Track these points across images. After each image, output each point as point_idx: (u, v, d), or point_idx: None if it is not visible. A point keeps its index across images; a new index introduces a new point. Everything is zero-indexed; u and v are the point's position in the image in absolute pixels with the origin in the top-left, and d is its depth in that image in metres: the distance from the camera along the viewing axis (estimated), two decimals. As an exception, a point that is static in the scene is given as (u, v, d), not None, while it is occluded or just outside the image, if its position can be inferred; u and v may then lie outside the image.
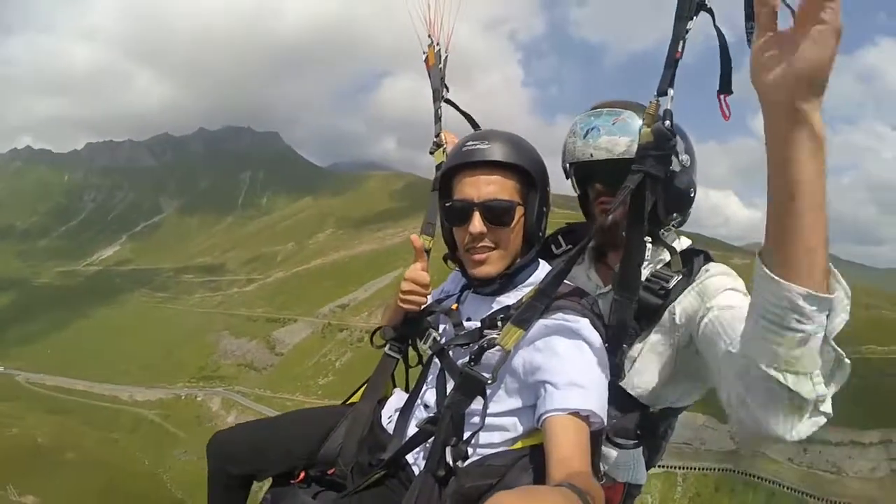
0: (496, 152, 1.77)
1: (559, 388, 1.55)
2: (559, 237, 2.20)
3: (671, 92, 1.62)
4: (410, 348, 2.24)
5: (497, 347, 1.68)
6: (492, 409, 1.69)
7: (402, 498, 1.71)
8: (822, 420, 1.21)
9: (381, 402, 2.15)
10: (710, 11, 1.58)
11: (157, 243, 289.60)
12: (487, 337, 1.74)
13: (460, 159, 1.82)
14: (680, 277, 1.84)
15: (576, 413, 1.50)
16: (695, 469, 78.11)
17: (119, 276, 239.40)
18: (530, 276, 1.90)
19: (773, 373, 1.16)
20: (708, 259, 1.91)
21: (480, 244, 1.80)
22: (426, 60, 2.75)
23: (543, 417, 1.53)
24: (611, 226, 1.90)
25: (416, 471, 1.80)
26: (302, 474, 2.01)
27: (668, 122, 1.62)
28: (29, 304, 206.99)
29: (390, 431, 1.96)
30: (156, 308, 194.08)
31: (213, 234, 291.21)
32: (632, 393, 1.83)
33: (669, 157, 1.68)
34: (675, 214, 1.92)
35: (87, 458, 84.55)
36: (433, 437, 1.72)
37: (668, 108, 1.63)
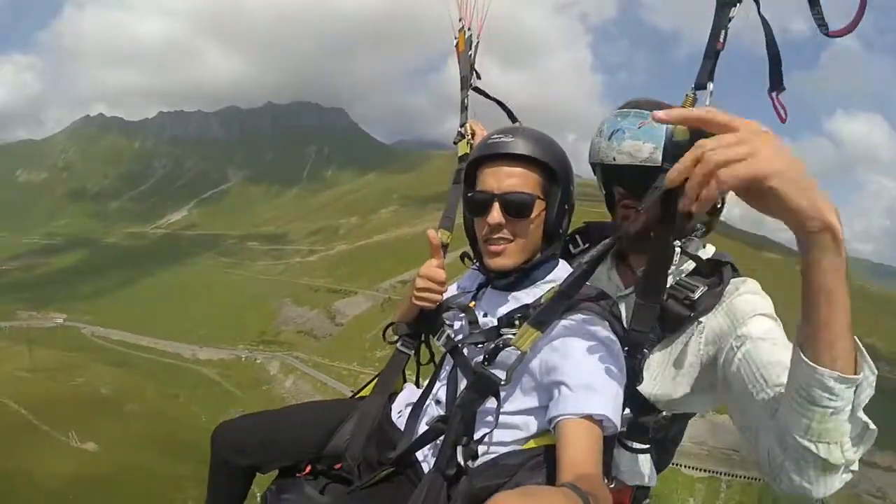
0: (520, 146, 1.76)
1: (574, 390, 1.54)
2: (576, 236, 2.23)
3: (710, 86, 1.53)
4: (423, 345, 2.21)
5: (512, 348, 1.64)
6: (505, 408, 1.67)
7: (410, 495, 1.70)
8: (850, 476, 1.31)
9: (392, 398, 2.13)
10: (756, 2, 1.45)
11: (224, 210, 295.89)
12: (503, 336, 1.70)
13: (485, 151, 1.82)
14: (706, 289, 1.80)
15: (589, 417, 1.49)
16: (740, 477, 75.66)
17: (185, 240, 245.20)
18: (549, 273, 1.88)
19: (806, 443, 1.26)
20: (734, 271, 1.87)
21: (498, 235, 1.79)
22: (456, 46, 2.70)
23: (556, 420, 1.53)
24: (639, 233, 1.85)
25: (426, 468, 1.80)
26: (308, 468, 2.01)
27: None
28: (98, 262, 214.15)
29: (400, 427, 1.96)
30: (221, 272, 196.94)
31: (278, 205, 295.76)
32: (647, 397, 1.81)
33: None
34: (699, 225, 1.92)
35: (147, 410, 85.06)
36: (443, 436, 1.70)
37: (708, 103, 1.51)
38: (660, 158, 1.76)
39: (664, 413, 1.88)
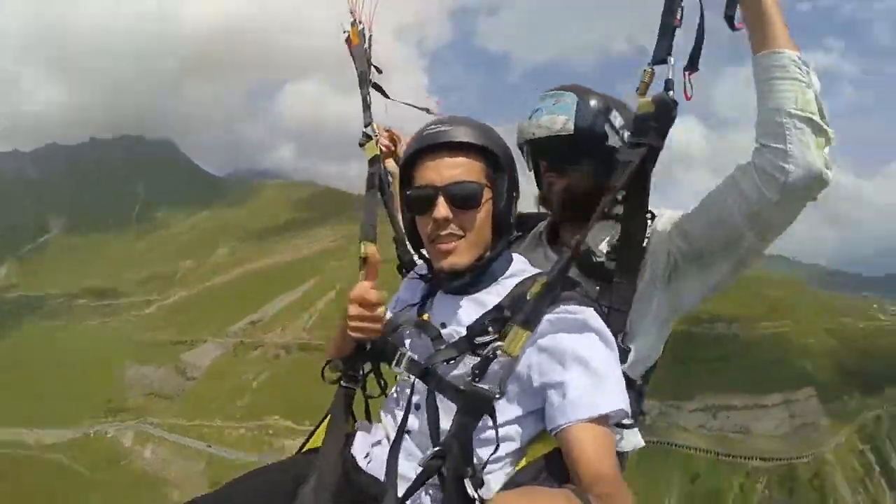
0: (460, 133, 1.69)
1: (578, 391, 1.47)
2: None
3: (672, 60, 1.62)
4: (372, 374, 2.04)
5: (502, 355, 1.55)
6: (498, 419, 1.54)
7: None
8: (831, 174, 1.58)
9: (347, 441, 1.94)
10: None
11: (46, 265, 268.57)
12: (491, 346, 1.57)
13: (421, 143, 1.72)
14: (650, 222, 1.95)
15: (600, 416, 1.44)
16: None
17: (5, 304, 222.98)
18: (508, 267, 1.80)
19: (800, 113, 1.54)
20: (653, 216, 2.00)
21: (446, 232, 1.69)
22: (348, 41, 2.63)
23: (562, 427, 1.45)
24: (564, 197, 2.03)
25: None
26: None
27: (671, 93, 1.62)
28: None
29: (374, 474, 1.78)
30: (48, 338, 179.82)
31: (106, 254, 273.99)
32: (627, 372, 1.77)
33: (669, 129, 1.67)
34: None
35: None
36: (442, 471, 1.52)
37: (670, 77, 1.62)
38: (572, 128, 1.91)
39: (638, 381, 1.95)
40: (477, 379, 1.54)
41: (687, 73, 1.62)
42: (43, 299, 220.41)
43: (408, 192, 1.78)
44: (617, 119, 1.96)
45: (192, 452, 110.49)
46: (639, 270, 1.78)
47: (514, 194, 1.77)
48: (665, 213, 2.00)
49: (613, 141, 1.95)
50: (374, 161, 2.43)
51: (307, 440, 2.11)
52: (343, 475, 1.81)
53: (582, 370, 1.49)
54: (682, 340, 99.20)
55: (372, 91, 2.56)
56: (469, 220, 1.68)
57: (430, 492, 1.62)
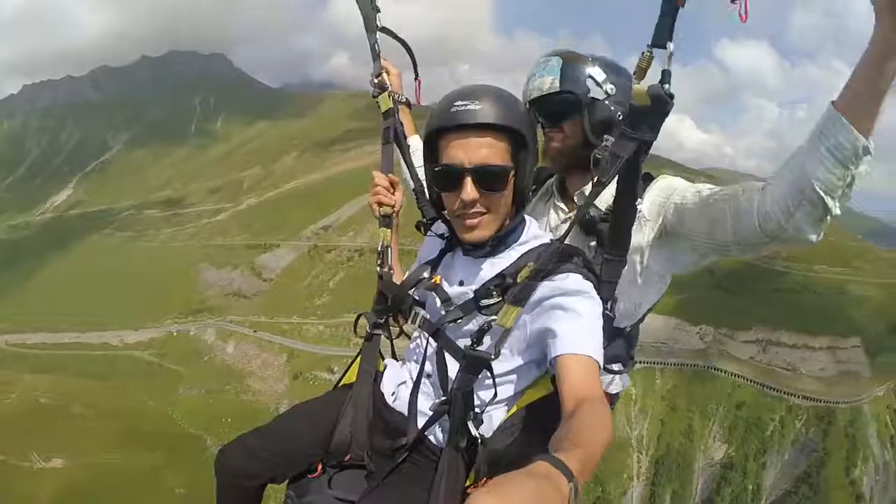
0: (488, 114, 1.70)
1: (568, 334, 1.60)
2: None
3: (671, 46, 1.56)
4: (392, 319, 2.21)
5: (497, 326, 1.73)
6: (497, 371, 1.73)
7: (427, 470, 1.81)
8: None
9: (377, 378, 2.15)
10: None
11: (111, 181, 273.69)
12: (486, 315, 1.78)
13: (449, 122, 1.74)
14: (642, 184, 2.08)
15: (583, 354, 1.56)
16: (671, 365, 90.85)
17: (76, 221, 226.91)
18: (521, 234, 1.93)
19: (823, 194, 1.60)
20: (650, 177, 2.23)
21: (473, 210, 1.78)
22: None
23: (554, 358, 1.58)
24: (560, 149, 2.26)
25: (433, 440, 1.89)
26: (319, 467, 2.03)
27: (666, 86, 1.60)
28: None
29: (399, 410, 2.01)
30: (122, 248, 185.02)
31: (169, 166, 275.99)
32: (616, 325, 1.98)
33: (662, 123, 1.68)
34: (605, 137, 2.14)
35: (95, 409, 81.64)
36: (448, 415, 1.77)
37: (668, 68, 1.59)
38: (558, 86, 2.14)
39: (628, 328, 2.18)
40: (475, 345, 1.74)
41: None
42: (111, 213, 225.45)
43: (435, 168, 1.83)
44: (599, 74, 2.15)
45: (273, 347, 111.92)
46: (628, 249, 1.91)
47: (534, 168, 1.87)
48: (661, 180, 2.21)
49: (596, 93, 2.15)
50: (388, 114, 2.52)
51: (342, 376, 2.29)
52: (374, 409, 2.06)
53: (569, 318, 1.63)
54: (742, 271, 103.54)
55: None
56: (493, 199, 1.78)
57: (442, 426, 1.87)
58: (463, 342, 1.80)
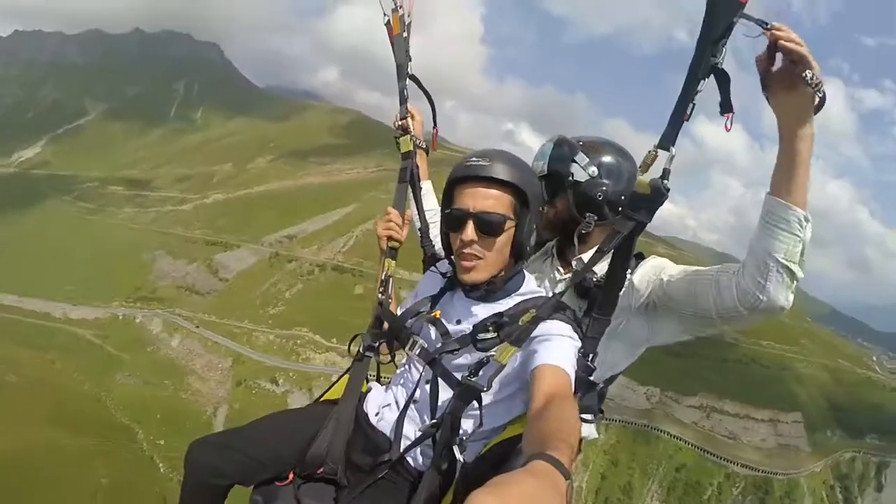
0: (498, 171, 1.96)
1: (545, 351, 1.80)
2: None
3: (673, 150, 1.80)
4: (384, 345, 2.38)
5: (494, 361, 1.89)
6: (486, 401, 1.90)
7: (401, 487, 2.00)
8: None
9: (362, 398, 2.28)
10: (722, 74, 1.75)
11: (81, 148, 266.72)
12: (487, 353, 1.93)
13: (463, 173, 2.02)
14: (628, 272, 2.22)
15: (559, 368, 1.74)
16: (616, 421, 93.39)
17: (39, 181, 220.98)
18: (520, 285, 2.13)
19: (784, 262, 1.86)
20: (642, 256, 2.45)
21: (469, 251, 2.01)
22: (388, 26, 2.64)
23: (531, 371, 1.77)
24: (550, 223, 2.46)
25: (412, 462, 2.05)
26: (290, 476, 2.11)
27: (666, 182, 1.82)
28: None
29: (382, 430, 2.14)
30: (81, 219, 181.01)
31: (142, 146, 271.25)
32: (592, 378, 2.07)
33: (657, 210, 1.88)
34: (588, 214, 2.41)
35: (27, 380, 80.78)
36: (436, 438, 1.93)
37: (668, 167, 1.82)
38: (545, 169, 2.47)
39: (601, 385, 2.38)
40: (472, 376, 1.89)
41: (727, 115, 1.79)
42: (75, 180, 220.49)
43: (446, 211, 2.10)
44: (582, 159, 2.39)
45: (219, 348, 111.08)
46: (614, 310, 2.06)
47: (535, 226, 2.06)
48: (652, 259, 2.44)
49: (579, 175, 2.40)
50: (407, 156, 2.68)
51: (325, 392, 2.44)
52: (357, 427, 2.19)
53: (549, 344, 1.84)
54: (693, 339, 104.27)
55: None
56: (490, 245, 2.00)
57: (424, 450, 2.04)
58: (458, 374, 1.97)
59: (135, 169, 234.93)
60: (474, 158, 2.01)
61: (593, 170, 2.38)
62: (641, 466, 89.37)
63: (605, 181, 2.39)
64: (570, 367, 1.79)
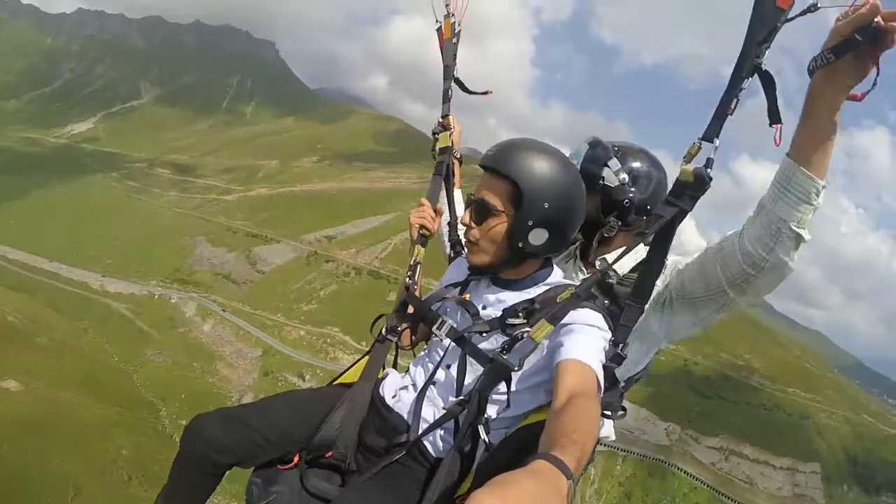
0: (502, 163, 1.96)
1: (572, 344, 1.75)
2: None
3: (717, 142, 1.82)
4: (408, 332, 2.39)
5: (528, 338, 1.86)
6: (514, 387, 1.87)
7: (415, 471, 1.95)
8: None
9: (379, 381, 2.25)
10: (766, 75, 1.75)
11: (132, 128, 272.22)
12: (520, 329, 1.89)
13: (481, 160, 2.05)
14: None
15: (586, 363, 1.69)
16: (634, 454, 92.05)
17: (87, 155, 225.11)
18: (548, 276, 2.11)
19: (797, 229, 1.83)
20: None
21: (467, 234, 2.09)
22: (439, 31, 2.73)
23: (556, 364, 1.71)
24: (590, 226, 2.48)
25: (429, 446, 1.99)
26: (296, 458, 2.05)
27: (709, 170, 1.84)
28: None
29: (399, 412, 2.09)
30: (125, 196, 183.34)
31: (191, 133, 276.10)
32: (618, 376, 2.08)
33: (700, 197, 1.89)
34: (612, 218, 2.46)
35: (59, 344, 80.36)
36: (461, 417, 1.89)
37: (713, 156, 1.84)
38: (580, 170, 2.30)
39: (623, 384, 2.24)
40: (504, 352, 1.87)
41: (775, 126, 1.77)
42: (124, 159, 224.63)
43: (470, 194, 2.16)
44: (615, 164, 2.42)
45: (250, 337, 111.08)
46: (648, 298, 2.05)
47: (531, 224, 1.97)
48: (671, 256, 2.36)
49: (610, 180, 2.42)
50: (445, 151, 2.78)
51: (342, 373, 2.41)
52: (372, 408, 2.14)
53: (577, 335, 1.79)
54: (717, 379, 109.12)
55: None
56: (482, 231, 2.02)
57: (442, 435, 1.99)
58: (494, 350, 1.92)
59: (183, 154, 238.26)
60: (493, 148, 2.03)
61: (624, 176, 2.42)
62: (654, 502, 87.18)
63: (634, 188, 2.43)
64: (597, 362, 1.73)
